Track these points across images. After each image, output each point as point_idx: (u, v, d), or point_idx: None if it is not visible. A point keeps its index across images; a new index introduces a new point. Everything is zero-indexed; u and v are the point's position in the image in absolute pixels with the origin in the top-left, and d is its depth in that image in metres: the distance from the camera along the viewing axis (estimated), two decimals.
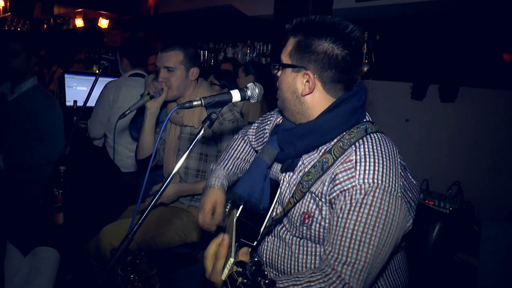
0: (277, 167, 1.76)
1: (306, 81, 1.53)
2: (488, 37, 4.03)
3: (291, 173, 1.66)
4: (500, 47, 3.97)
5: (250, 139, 2.08)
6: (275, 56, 1.68)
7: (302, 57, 1.52)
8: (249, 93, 1.61)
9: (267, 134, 1.95)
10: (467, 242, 3.02)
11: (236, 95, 1.59)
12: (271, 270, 1.74)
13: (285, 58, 1.58)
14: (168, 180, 1.47)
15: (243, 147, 2.13)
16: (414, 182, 1.55)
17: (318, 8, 4.25)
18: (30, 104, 3.13)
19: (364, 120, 1.58)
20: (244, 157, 2.13)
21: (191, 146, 1.51)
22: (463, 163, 4.08)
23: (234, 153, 2.13)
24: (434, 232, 1.91)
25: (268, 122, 1.96)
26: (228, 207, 2.00)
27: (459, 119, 4.20)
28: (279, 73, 1.63)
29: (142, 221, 1.44)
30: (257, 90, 1.62)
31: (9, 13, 9.41)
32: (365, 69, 4.72)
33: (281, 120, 1.84)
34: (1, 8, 9.63)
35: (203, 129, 1.51)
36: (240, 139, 2.15)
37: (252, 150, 2.13)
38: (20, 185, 3.14)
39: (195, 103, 1.52)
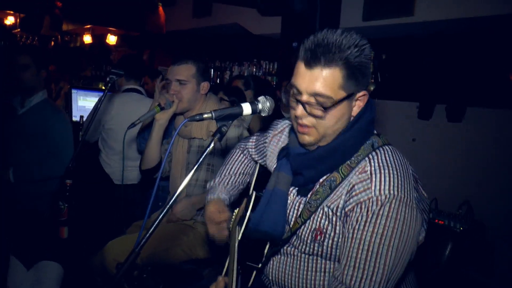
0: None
1: (356, 102, 1.49)
2: (495, 57, 4.04)
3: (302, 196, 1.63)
4: (507, 67, 3.98)
5: (251, 152, 2.04)
6: (284, 94, 1.60)
7: (357, 83, 1.43)
8: (260, 106, 1.57)
9: (266, 150, 1.90)
10: (479, 262, 2.97)
11: (247, 108, 1.57)
12: None
13: (335, 93, 1.42)
14: (175, 196, 1.45)
15: (242, 160, 2.10)
16: (425, 195, 1.53)
17: (325, 27, 4.26)
18: (40, 117, 3.15)
19: (373, 133, 1.56)
20: (243, 171, 2.10)
21: (201, 159, 1.49)
22: (472, 182, 4.05)
23: (233, 167, 2.10)
24: (446, 250, 1.88)
25: (266, 140, 1.91)
26: (231, 225, 1.97)
27: (466, 139, 4.18)
28: (327, 112, 1.45)
29: (149, 235, 1.43)
30: (268, 104, 1.59)
31: (19, 29, 9.54)
32: (371, 88, 4.72)
33: (286, 142, 1.78)
34: (11, 24, 9.76)
35: (213, 142, 1.50)
36: (239, 153, 2.11)
37: (251, 162, 2.09)
38: (29, 198, 3.13)
39: (205, 115, 1.50)
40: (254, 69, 6.77)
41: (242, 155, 2.10)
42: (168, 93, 2.63)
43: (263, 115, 1.61)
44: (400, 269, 1.37)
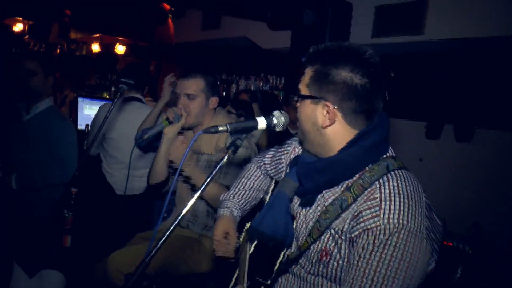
0: (294, 201, 1.68)
1: (326, 113, 1.46)
2: (505, 78, 4.02)
3: (309, 208, 1.59)
4: None
5: (267, 168, 2.01)
6: (295, 87, 1.64)
7: (320, 88, 1.46)
8: (275, 121, 1.57)
9: (283, 164, 1.88)
10: (488, 280, 2.91)
11: (262, 122, 1.56)
12: None
13: (304, 89, 1.52)
14: (182, 213, 1.44)
15: (258, 176, 2.07)
16: (439, 223, 1.46)
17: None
18: (45, 124, 3.13)
19: (386, 155, 1.50)
20: (258, 186, 2.06)
21: (213, 172, 1.48)
22: (481, 203, 4.00)
23: (248, 182, 2.07)
24: (457, 273, 1.85)
25: (285, 152, 1.88)
26: (241, 238, 1.95)
27: (475, 160, 4.15)
28: (298, 104, 1.57)
29: (160, 247, 1.41)
30: (283, 118, 1.58)
31: (27, 36, 9.58)
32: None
33: (300, 151, 1.77)
34: (19, 31, 9.81)
35: (227, 156, 1.49)
36: (255, 168, 2.08)
37: (266, 178, 2.06)
38: (29, 203, 3.10)
39: (220, 128, 1.50)
40: (261, 83, 6.76)
41: (258, 170, 2.07)
42: (176, 107, 2.62)
43: (277, 129, 1.61)
44: None
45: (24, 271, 2.38)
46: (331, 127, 1.47)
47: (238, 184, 2.08)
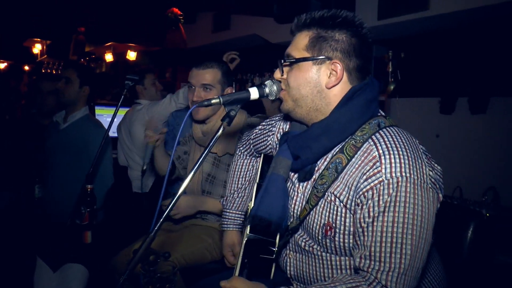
0: (290, 179, 1.68)
1: (331, 73, 1.48)
2: None
3: (305, 183, 1.60)
4: None
5: (254, 149, 2.03)
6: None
7: (323, 48, 1.48)
8: (267, 90, 1.58)
9: (270, 147, 1.89)
10: (507, 243, 2.83)
11: (254, 92, 1.56)
12: (298, 283, 1.68)
13: (299, 53, 1.52)
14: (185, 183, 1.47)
15: (247, 167, 2.10)
16: (438, 168, 1.46)
17: None
18: (81, 132, 3.22)
19: (378, 114, 1.52)
20: (251, 177, 2.09)
21: (211, 144, 1.51)
22: (499, 172, 3.91)
23: (240, 179, 2.12)
24: (469, 231, 1.81)
25: (271, 134, 1.89)
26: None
27: (491, 130, 4.06)
28: (284, 75, 1.58)
29: (163, 220, 1.44)
30: (275, 87, 1.59)
31: (45, 56, 9.83)
32: (392, 87, 4.67)
33: (288, 127, 1.78)
34: (39, 52, 10.11)
35: (222, 127, 1.51)
36: (243, 159, 2.11)
37: (256, 161, 2.08)
38: (62, 212, 3.14)
39: (213, 101, 1.51)
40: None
41: (246, 160, 2.10)
42: (189, 99, 2.62)
43: (271, 98, 1.61)
44: (425, 254, 1.33)
45: (48, 265, 2.46)
46: (335, 87, 1.49)
47: (232, 184, 2.14)
